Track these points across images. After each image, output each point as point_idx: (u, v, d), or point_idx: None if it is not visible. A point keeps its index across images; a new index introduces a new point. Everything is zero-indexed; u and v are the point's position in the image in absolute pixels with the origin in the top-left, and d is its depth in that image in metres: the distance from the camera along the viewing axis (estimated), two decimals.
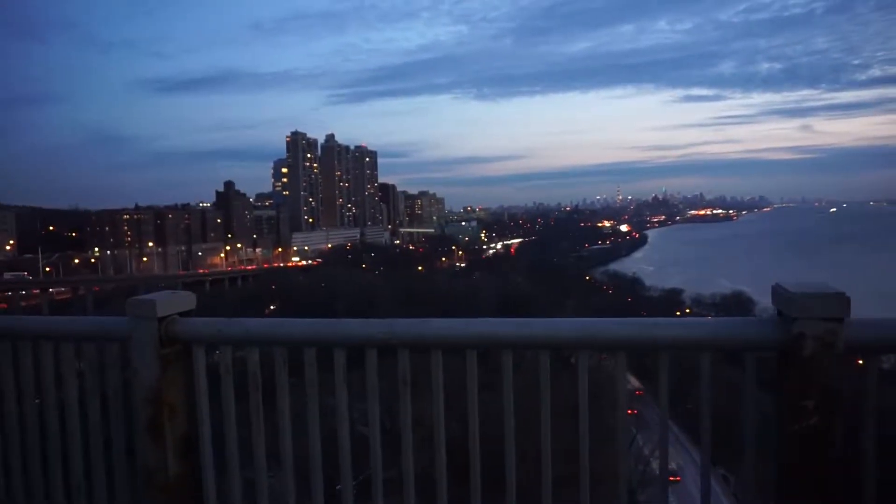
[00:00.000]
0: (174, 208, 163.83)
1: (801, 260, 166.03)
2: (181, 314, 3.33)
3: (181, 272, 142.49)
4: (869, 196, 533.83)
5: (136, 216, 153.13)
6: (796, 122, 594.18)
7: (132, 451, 3.40)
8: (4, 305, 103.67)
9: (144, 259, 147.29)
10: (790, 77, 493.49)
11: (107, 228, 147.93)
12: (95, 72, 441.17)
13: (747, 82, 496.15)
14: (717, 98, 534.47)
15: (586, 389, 2.81)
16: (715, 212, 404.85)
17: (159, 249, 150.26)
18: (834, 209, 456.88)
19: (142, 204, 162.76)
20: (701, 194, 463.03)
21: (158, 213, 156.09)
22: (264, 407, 3.24)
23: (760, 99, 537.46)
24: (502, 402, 2.84)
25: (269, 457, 3.25)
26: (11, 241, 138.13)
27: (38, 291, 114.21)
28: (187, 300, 3.40)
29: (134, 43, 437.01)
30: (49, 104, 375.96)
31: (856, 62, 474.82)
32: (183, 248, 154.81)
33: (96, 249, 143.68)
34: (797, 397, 2.40)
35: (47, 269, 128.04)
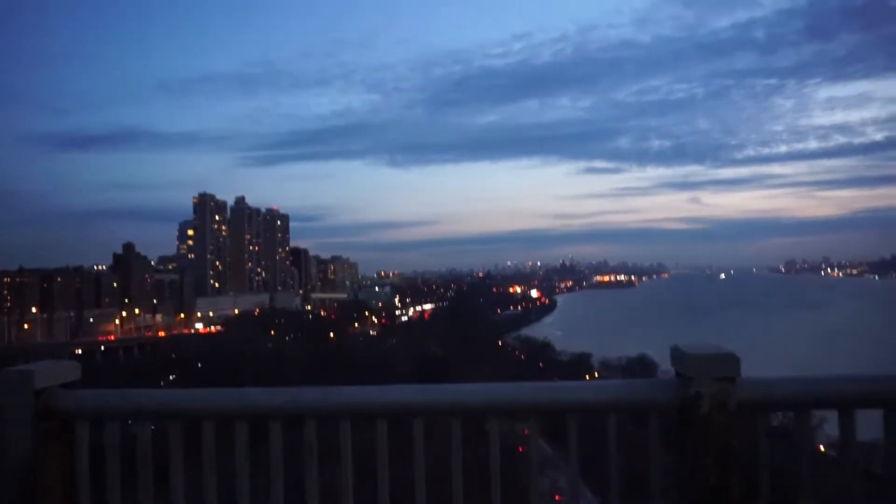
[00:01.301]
0: (65, 271, 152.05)
1: (697, 323, 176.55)
2: (63, 386, 3.04)
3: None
4: (752, 263, 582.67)
5: (17, 279, 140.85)
6: (686, 195, 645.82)
7: None
8: None
9: (26, 326, 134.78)
10: (678, 153, 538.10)
11: None
12: None
13: (642, 157, 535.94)
14: (616, 171, 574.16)
15: (498, 455, 2.83)
16: (618, 277, 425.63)
17: (44, 315, 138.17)
18: (723, 275, 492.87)
19: (27, 266, 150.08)
20: (605, 261, 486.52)
21: (45, 276, 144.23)
22: (156, 487, 3.08)
23: (654, 172, 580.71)
24: (413, 471, 2.81)
25: None
26: None
27: None
28: (70, 370, 3.18)
29: (25, 96, 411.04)
30: None
31: (733, 142, 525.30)
32: (72, 313, 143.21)
33: None
34: (696, 454, 2.51)
35: None
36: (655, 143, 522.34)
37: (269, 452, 2.90)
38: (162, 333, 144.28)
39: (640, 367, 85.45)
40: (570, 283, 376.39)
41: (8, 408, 2.97)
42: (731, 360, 2.52)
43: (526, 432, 2.75)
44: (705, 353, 2.56)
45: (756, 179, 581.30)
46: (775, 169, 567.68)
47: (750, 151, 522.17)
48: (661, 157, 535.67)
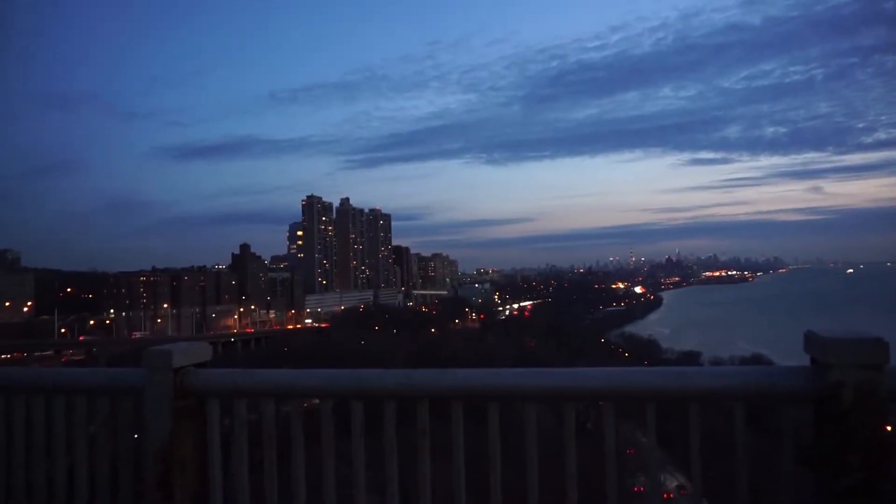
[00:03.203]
0: (190, 270, 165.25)
1: (820, 321, 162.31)
2: (197, 366, 3.32)
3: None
4: (886, 257, 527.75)
5: (152, 278, 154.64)
6: (806, 184, 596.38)
7: None
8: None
9: (158, 321, 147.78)
10: (795, 140, 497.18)
11: (123, 290, 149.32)
12: (117, 140, 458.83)
13: (753, 145, 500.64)
14: (724, 161, 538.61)
15: (614, 446, 2.70)
16: (730, 273, 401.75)
17: (174, 311, 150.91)
18: (850, 270, 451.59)
19: (159, 266, 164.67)
20: (715, 255, 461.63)
21: (174, 276, 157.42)
22: (277, 463, 3.17)
23: (768, 161, 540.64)
24: (525, 458, 2.76)
25: None
26: (29, 303, 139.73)
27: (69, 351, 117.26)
28: (203, 351, 3.38)
29: (154, 113, 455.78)
30: (73, 171, 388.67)
31: (860, 125, 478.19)
32: (197, 309, 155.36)
33: (112, 311, 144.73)
34: (839, 451, 2.26)
35: (63, 330, 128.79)
36: (769, 131, 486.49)
37: (383, 432, 3.00)
38: (290, 327, 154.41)
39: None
40: (676, 279, 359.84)
41: (151, 385, 3.23)
42: (879, 346, 2.26)
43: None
44: (848, 337, 2.31)
45: (890, 164, 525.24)
46: None
47: (881, 134, 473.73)
48: (776, 145, 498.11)
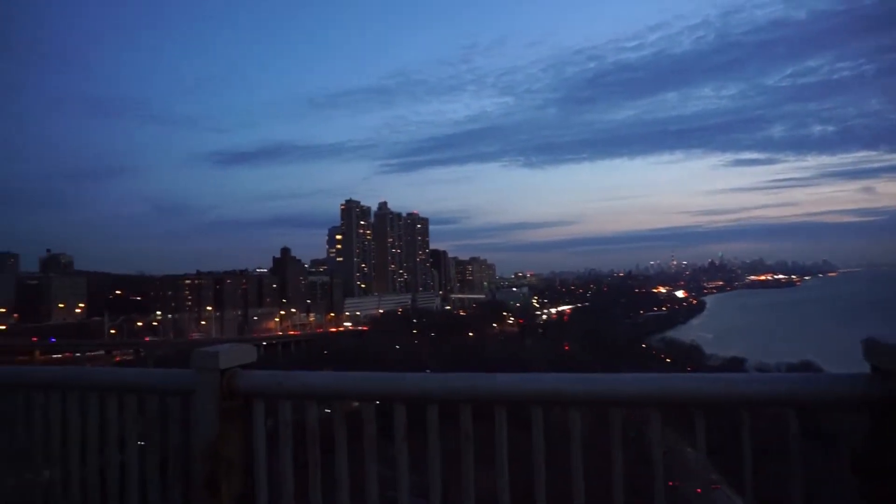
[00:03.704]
0: (233, 274, 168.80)
1: (874, 327, 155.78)
2: (242, 367, 3.37)
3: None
4: None
5: (196, 281, 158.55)
6: (857, 184, 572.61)
7: None
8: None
9: (203, 323, 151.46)
10: (845, 139, 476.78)
11: (169, 293, 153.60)
12: (160, 146, 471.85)
13: (800, 145, 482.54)
14: (769, 161, 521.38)
15: (661, 455, 2.68)
16: (776, 277, 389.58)
17: (217, 314, 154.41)
18: None
19: (203, 270, 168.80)
20: (760, 259, 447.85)
21: (217, 279, 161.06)
22: (321, 464, 3.20)
23: (815, 161, 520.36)
24: (569, 463, 2.73)
25: None
26: (81, 305, 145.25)
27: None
28: (249, 353, 3.44)
29: (195, 119, 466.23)
30: (119, 176, 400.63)
31: None
32: (240, 312, 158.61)
33: (158, 313, 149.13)
34: None
35: (112, 331, 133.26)
36: (816, 129, 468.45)
37: (426, 435, 3.00)
38: (331, 330, 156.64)
39: None
40: (720, 283, 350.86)
41: (200, 385, 3.31)
42: None
43: None
44: None
45: None
46: None
47: None
48: (824, 144, 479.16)
